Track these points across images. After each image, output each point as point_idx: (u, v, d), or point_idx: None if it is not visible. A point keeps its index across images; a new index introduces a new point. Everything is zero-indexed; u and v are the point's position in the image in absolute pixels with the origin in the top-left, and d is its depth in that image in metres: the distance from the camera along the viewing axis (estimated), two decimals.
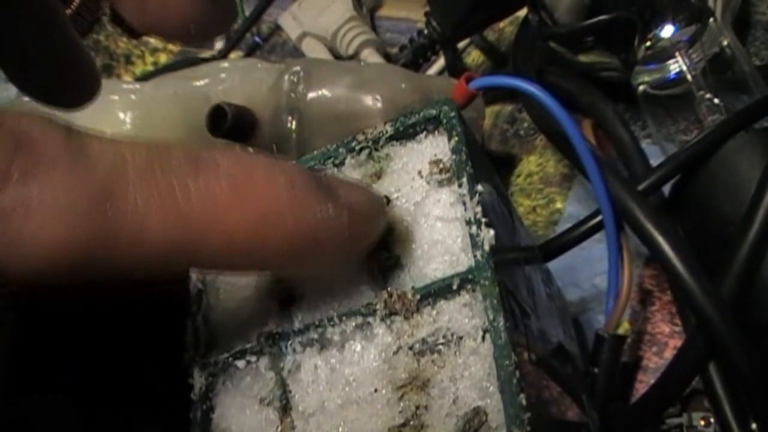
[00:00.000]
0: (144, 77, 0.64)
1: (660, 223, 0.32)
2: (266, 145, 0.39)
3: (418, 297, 0.22)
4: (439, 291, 0.21)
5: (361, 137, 0.25)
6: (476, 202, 0.22)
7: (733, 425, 0.32)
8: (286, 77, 0.40)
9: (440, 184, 0.23)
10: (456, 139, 0.23)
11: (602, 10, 0.40)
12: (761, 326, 0.32)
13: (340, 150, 0.25)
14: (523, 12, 0.46)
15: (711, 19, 0.39)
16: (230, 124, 0.38)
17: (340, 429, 0.22)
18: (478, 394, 0.20)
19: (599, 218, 0.35)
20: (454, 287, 0.21)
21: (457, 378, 0.20)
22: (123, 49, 0.70)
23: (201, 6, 0.25)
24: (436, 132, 0.24)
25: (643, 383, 0.39)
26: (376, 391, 0.21)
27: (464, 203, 0.22)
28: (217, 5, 0.26)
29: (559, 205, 0.45)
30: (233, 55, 0.64)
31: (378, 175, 0.25)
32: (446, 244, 0.22)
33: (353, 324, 0.22)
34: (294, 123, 0.38)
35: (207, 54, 0.65)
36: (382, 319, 0.22)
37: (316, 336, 0.23)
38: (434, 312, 0.22)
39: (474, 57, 0.54)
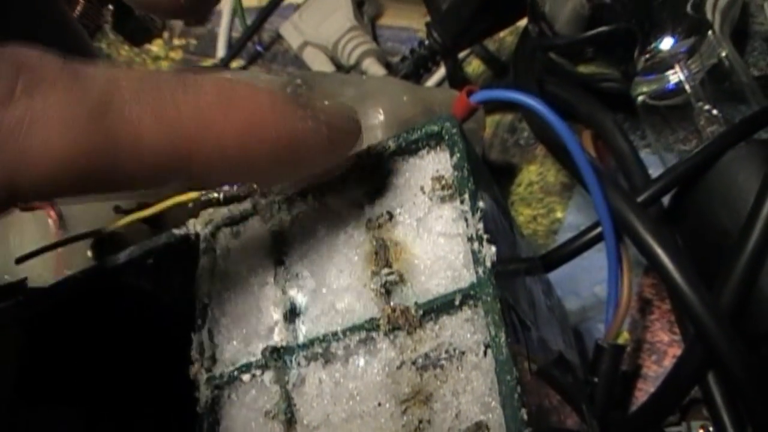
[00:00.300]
0: None
1: (659, 235, 0.33)
2: None
3: (421, 312, 0.22)
4: (442, 306, 0.22)
5: (363, 152, 0.25)
6: (478, 219, 0.22)
7: None
8: (288, 89, 0.40)
9: (442, 200, 0.24)
10: (458, 155, 0.24)
11: (602, 21, 0.41)
12: (759, 335, 0.32)
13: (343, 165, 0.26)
14: (523, 22, 0.46)
15: (709, 31, 0.40)
16: None
17: None
18: (480, 409, 0.20)
19: (599, 229, 0.36)
20: (457, 303, 0.21)
21: (460, 392, 0.21)
22: (125, 57, 0.70)
23: None
24: (438, 148, 0.25)
25: (643, 392, 0.39)
26: (379, 404, 0.22)
27: (466, 219, 0.22)
28: None
29: (559, 214, 0.46)
30: (234, 63, 0.64)
31: (380, 191, 0.25)
32: (448, 260, 0.23)
33: (357, 339, 0.22)
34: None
35: (209, 62, 0.65)
36: (386, 334, 0.22)
37: (320, 350, 0.23)
38: (437, 327, 0.22)
39: (474, 66, 0.55)
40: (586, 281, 0.42)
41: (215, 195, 0.30)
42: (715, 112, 0.39)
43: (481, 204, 0.22)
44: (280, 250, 0.26)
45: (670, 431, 0.36)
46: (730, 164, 0.35)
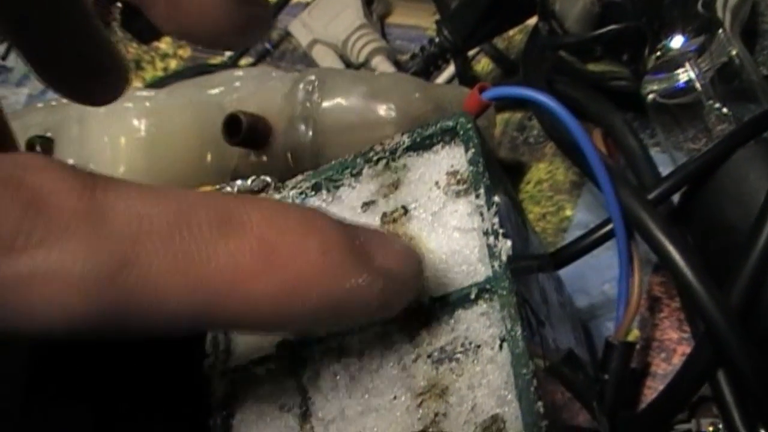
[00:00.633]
0: (154, 83, 0.64)
1: (670, 232, 0.33)
2: (280, 153, 0.40)
3: (437, 306, 0.22)
4: (457, 300, 0.22)
5: (378, 147, 0.26)
6: (493, 213, 0.22)
7: None
8: (301, 86, 0.40)
9: (457, 194, 0.24)
10: (473, 150, 0.24)
11: (612, 20, 0.41)
12: None
13: (358, 160, 0.26)
14: (533, 21, 0.46)
15: (720, 30, 0.40)
16: (245, 133, 0.38)
17: None
18: (495, 402, 0.21)
19: (609, 227, 0.36)
20: (472, 297, 0.22)
21: (475, 386, 0.21)
22: (133, 55, 0.70)
23: (238, 13, 0.23)
24: (453, 143, 0.25)
25: (652, 390, 0.39)
26: (395, 398, 0.22)
27: (481, 214, 0.23)
28: (254, 12, 0.24)
29: (568, 212, 0.46)
30: (243, 61, 0.64)
31: (395, 186, 0.25)
32: (464, 254, 0.23)
33: (372, 332, 0.23)
34: (309, 132, 0.39)
35: (217, 60, 0.65)
36: (401, 328, 0.22)
37: (335, 344, 0.23)
38: (452, 321, 0.22)
39: (484, 65, 0.55)
40: (595, 279, 0.42)
41: (228, 189, 0.30)
42: (725, 110, 0.39)
43: (496, 198, 0.23)
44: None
45: (680, 429, 0.36)
46: (740, 163, 0.36)
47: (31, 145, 0.43)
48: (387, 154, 0.25)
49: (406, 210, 0.24)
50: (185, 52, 0.68)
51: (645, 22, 0.40)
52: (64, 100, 0.32)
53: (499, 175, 0.26)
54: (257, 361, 0.24)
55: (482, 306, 0.22)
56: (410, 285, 0.21)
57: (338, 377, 0.23)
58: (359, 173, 0.26)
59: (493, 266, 0.22)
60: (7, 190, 0.15)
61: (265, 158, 0.40)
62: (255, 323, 0.18)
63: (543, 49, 0.45)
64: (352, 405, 0.22)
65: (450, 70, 0.53)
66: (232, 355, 0.25)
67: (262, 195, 0.27)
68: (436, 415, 0.21)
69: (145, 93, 0.45)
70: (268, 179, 0.27)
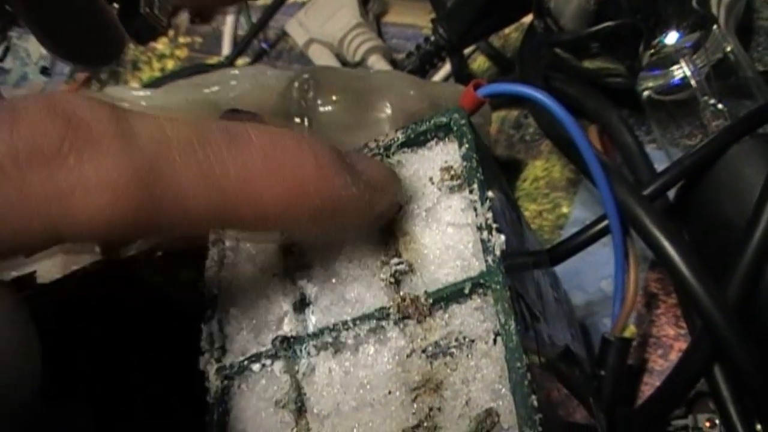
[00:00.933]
0: (151, 83, 0.64)
1: (666, 228, 0.33)
2: None
3: (431, 301, 0.22)
4: (452, 295, 0.22)
5: (372, 144, 0.26)
6: (487, 208, 0.22)
7: (738, 427, 0.32)
8: (296, 84, 0.40)
9: (451, 190, 0.24)
10: (467, 146, 0.24)
11: (607, 17, 0.41)
12: (766, 328, 0.32)
13: None
14: (528, 18, 0.46)
15: (714, 26, 0.40)
16: None
17: (355, 430, 0.22)
18: (490, 396, 0.21)
19: (605, 223, 0.36)
20: (466, 291, 0.22)
21: (470, 380, 0.21)
22: (130, 55, 0.70)
23: None
24: (447, 139, 0.25)
25: (649, 386, 0.39)
26: (389, 393, 0.22)
27: (475, 209, 0.23)
28: None
29: (565, 209, 0.46)
30: (240, 61, 0.64)
31: None
32: (458, 250, 0.23)
33: (367, 328, 0.23)
34: (304, 130, 0.39)
35: (214, 60, 0.65)
36: (396, 323, 0.22)
37: (330, 339, 0.23)
38: (447, 316, 0.22)
39: (480, 63, 0.55)
40: (591, 276, 0.43)
41: None
42: (720, 106, 0.39)
43: (489, 194, 0.23)
44: (290, 241, 0.26)
45: (677, 424, 0.36)
46: (735, 158, 0.36)
47: None
48: (381, 150, 0.25)
49: (400, 206, 0.24)
50: (182, 52, 0.68)
51: (640, 19, 0.40)
52: None
53: (493, 171, 0.26)
54: (253, 358, 0.24)
55: (476, 301, 0.22)
56: (389, 190, 0.23)
57: (333, 373, 0.23)
58: None
59: (486, 261, 0.22)
60: (48, 114, 0.18)
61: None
62: (264, 222, 0.21)
63: (539, 46, 0.45)
64: (347, 400, 0.22)
65: (446, 68, 0.53)
66: (228, 352, 0.25)
67: None
68: (430, 409, 0.21)
69: (141, 92, 0.46)
70: None
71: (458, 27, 0.48)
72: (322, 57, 0.58)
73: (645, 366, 0.40)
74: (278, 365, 0.24)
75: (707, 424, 0.35)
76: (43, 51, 0.71)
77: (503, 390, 0.20)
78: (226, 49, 0.65)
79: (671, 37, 0.40)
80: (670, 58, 0.40)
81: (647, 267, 0.42)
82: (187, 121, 0.20)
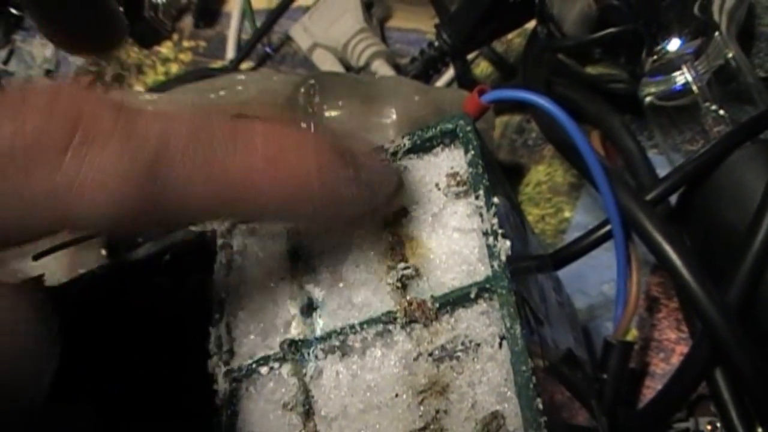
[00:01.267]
0: (156, 87, 0.65)
1: (667, 233, 0.33)
2: None
3: (437, 305, 0.22)
4: (458, 300, 0.22)
5: (379, 150, 0.26)
6: (492, 214, 0.23)
7: (739, 430, 0.32)
8: (302, 89, 0.41)
9: (457, 196, 0.24)
10: (472, 152, 0.24)
11: (610, 23, 0.41)
12: (766, 332, 0.33)
13: None
14: (531, 24, 0.47)
15: (716, 32, 0.40)
16: None
17: None
18: (495, 399, 0.21)
19: (608, 227, 0.36)
20: (472, 296, 0.22)
21: (475, 383, 0.21)
22: (134, 59, 0.70)
23: None
24: (453, 145, 0.25)
25: (650, 389, 0.39)
26: (396, 396, 0.22)
27: (481, 215, 0.23)
28: None
29: (567, 214, 0.46)
30: (244, 65, 0.65)
31: None
32: (463, 255, 0.23)
33: (374, 331, 0.23)
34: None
35: (218, 64, 0.65)
36: (402, 327, 0.23)
37: (337, 343, 0.23)
38: (452, 320, 0.22)
39: (483, 68, 0.55)
40: (594, 280, 0.43)
41: None
42: (722, 112, 0.39)
43: (495, 200, 0.23)
44: (297, 245, 0.26)
45: (679, 427, 0.36)
46: (736, 164, 0.36)
47: None
48: (388, 156, 0.26)
49: (406, 211, 0.25)
50: (186, 56, 0.69)
51: (642, 25, 0.40)
52: None
53: (498, 176, 0.26)
54: (260, 361, 0.25)
55: (482, 305, 0.22)
56: (390, 183, 0.24)
57: (340, 376, 0.23)
58: None
59: (492, 266, 0.22)
60: (56, 108, 0.18)
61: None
62: (266, 214, 0.22)
63: (541, 52, 0.45)
64: (354, 403, 0.23)
65: (449, 73, 0.54)
66: (236, 355, 0.26)
67: None
68: (437, 412, 0.21)
69: (147, 97, 0.46)
70: None
71: (461, 32, 0.48)
72: (325, 61, 0.58)
73: (647, 369, 0.40)
74: (286, 368, 0.24)
75: (708, 427, 0.36)
76: (48, 54, 0.72)
77: (509, 393, 0.21)
78: (230, 53, 0.65)
79: (673, 44, 0.40)
80: (672, 64, 0.41)
81: (649, 271, 0.42)
82: (190, 115, 0.20)
